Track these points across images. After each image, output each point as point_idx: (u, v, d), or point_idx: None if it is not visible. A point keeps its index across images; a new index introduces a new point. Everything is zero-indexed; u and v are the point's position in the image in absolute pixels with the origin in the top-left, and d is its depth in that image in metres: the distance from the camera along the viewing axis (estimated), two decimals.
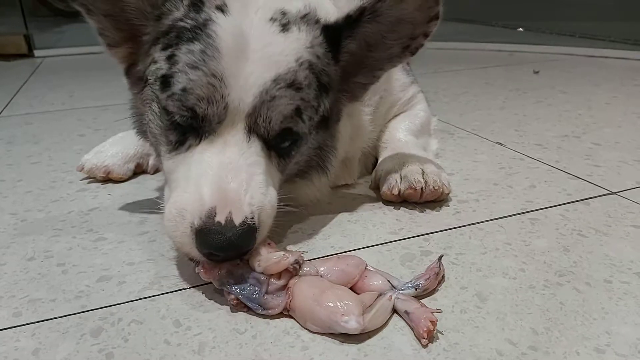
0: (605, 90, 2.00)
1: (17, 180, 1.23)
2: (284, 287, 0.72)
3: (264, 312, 0.71)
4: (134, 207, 1.07)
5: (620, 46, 2.80)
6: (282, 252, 0.73)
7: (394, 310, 0.71)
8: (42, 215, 1.04)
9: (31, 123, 1.72)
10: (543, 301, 0.74)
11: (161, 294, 0.77)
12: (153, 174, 1.24)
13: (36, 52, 3.18)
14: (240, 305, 0.72)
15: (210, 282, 0.75)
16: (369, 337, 0.67)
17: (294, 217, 0.98)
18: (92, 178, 1.20)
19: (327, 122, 0.92)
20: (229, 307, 0.73)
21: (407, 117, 1.25)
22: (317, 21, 0.88)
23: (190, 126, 0.81)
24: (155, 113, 0.85)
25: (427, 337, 0.65)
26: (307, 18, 0.87)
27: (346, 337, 0.67)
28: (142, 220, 1.01)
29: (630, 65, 2.49)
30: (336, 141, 0.99)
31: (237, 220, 0.73)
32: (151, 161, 1.24)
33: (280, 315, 0.71)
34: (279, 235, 0.92)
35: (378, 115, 1.17)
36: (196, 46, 0.79)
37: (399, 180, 1.02)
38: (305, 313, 0.69)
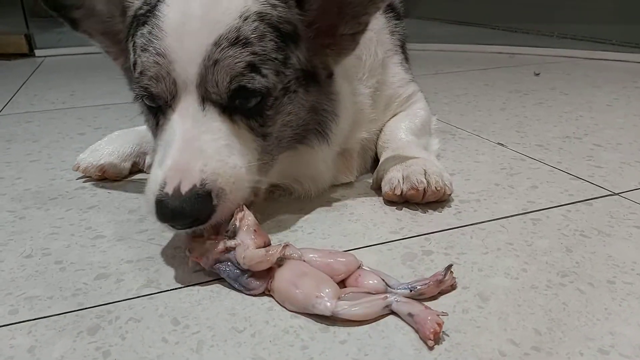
0: (606, 92, 2.00)
1: (15, 177, 1.23)
2: (267, 272, 0.75)
3: (247, 293, 0.74)
4: (132, 204, 1.06)
5: (620, 48, 2.79)
6: (264, 250, 0.74)
7: (394, 313, 0.70)
8: (40, 212, 1.04)
9: (31, 121, 1.71)
10: (546, 301, 0.73)
11: (159, 292, 0.76)
12: (149, 172, 1.22)
13: (37, 52, 3.17)
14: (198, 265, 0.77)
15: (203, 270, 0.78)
16: (370, 337, 0.66)
17: (293, 215, 0.97)
18: (88, 177, 1.19)
19: (314, 77, 0.90)
20: (227, 305, 0.72)
21: (407, 116, 1.24)
22: None
23: (156, 107, 0.84)
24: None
25: (434, 339, 0.64)
26: None
27: (347, 337, 0.66)
28: (140, 218, 1.00)
29: (630, 68, 2.49)
30: (336, 105, 0.98)
31: (184, 189, 0.75)
32: (148, 159, 1.22)
33: (280, 314, 0.71)
34: (277, 235, 0.92)
35: (378, 105, 1.16)
36: (145, 29, 0.82)
37: (401, 181, 1.01)
38: (283, 294, 0.72)
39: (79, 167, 1.17)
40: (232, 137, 0.83)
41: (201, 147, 0.78)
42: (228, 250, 0.75)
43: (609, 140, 1.43)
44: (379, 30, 1.16)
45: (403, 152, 1.10)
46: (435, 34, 3.58)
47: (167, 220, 0.76)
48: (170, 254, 0.86)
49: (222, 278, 0.76)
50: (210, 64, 0.79)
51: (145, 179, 1.18)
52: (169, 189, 0.75)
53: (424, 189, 0.99)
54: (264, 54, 0.82)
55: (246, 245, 0.74)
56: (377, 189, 1.09)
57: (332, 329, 0.67)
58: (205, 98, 0.81)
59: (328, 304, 0.68)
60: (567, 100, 1.90)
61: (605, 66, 2.54)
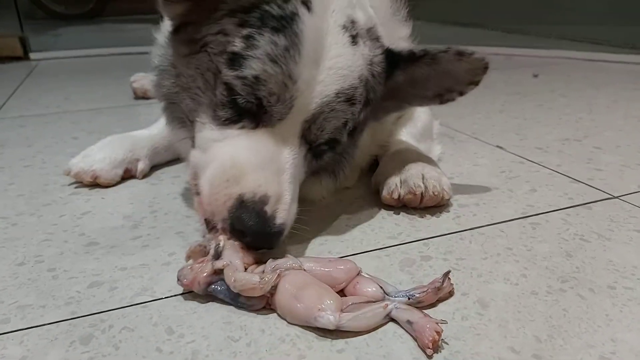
0: (605, 94, 1.99)
1: (8, 183, 1.21)
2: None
3: (248, 310, 0.72)
4: (127, 210, 1.05)
5: (619, 50, 2.79)
6: (258, 277, 0.70)
7: (393, 320, 0.69)
8: (33, 219, 1.02)
9: (25, 126, 1.70)
10: (546, 308, 0.72)
11: (153, 300, 0.75)
12: (142, 179, 1.21)
13: (32, 55, 3.15)
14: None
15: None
16: (368, 346, 0.65)
17: None
18: (80, 182, 1.17)
19: (354, 132, 0.93)
20: (223, 313, 0.71)
21: (408, 120, 1.23)
22: (378, 39, 0.90)
23: (249, 110, 0.82)
24: (209, 83, 0.85)
25: (433, 347, 0.63)
26: (371, 33, 0.89)
27: (345, 345, 0.65)
28: (135, 224, 0.99)
29: (630, 69, 2.48)
30: (355, 150, 1.01)
31: (279, 221, 0.79)
32: (140, 166, 1.21)
33: (276, 322, 0.69)
34: None
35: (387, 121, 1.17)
36: (281, 40, 0.79)
37: (398, 185, 1.01)
38: (285, 308, 0.70)
39: (70, 172, 1.15)
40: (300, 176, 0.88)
41: (294, 189, 0.84)
42: (217, 272, 0.72)
43: (609, 142, 1.43)
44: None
45: (402, 156, 1.09)
46: (433, 35, 3.56)
47: (246, 227, 0.76)
48: (164, 261, 0.85)
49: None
50: (327, 110, 0.82)
51: (141, 184, 1.18)
52: (270, 210, 0.78)
53: (422, 194, 0.98)
54: (355, 115, 0.87)
55: (235, 266, 0.72)
56: (375, 192, 1.08)
57: (330, 337, 0.66)
58: (304, 134, 0.84)
59: (331, 317, 0.65)
60: (566, 102, 1.89)
61: (605, 68, 2.54)
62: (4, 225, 1.00)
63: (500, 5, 3.70)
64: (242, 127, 0.83)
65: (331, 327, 0.65)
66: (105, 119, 1.76)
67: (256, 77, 0.79)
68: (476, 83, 0.94)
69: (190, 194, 0.94)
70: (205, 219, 0.83)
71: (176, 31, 0.92)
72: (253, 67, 0.79)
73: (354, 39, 0.84)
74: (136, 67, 2.03)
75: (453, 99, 0.97)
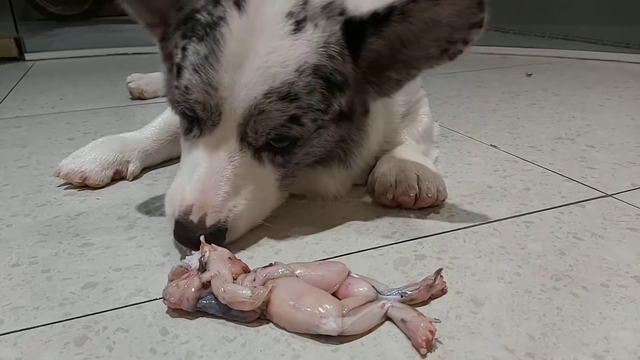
0: (598, 93, 2.00)
1: (3, 184, 1.21)
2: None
3: (242, 323, 0.69)
4: (121, 211, 1.04)
5: (612, 49, 2.80)
6: (250, 291, 0.67)
7: (388, 318, 0.69)
8: (28, 220, 1.02)
9: (20, 126, 1.69)
10: (539, 306, 0.72)
11: (148, 301, 0.75)
12: (132, 180, 1.21)
13: (27, 56, 3.14)
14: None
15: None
16: (362, 345, 0.65)
17: (283, 220, 0.96)
18: (70, 183, 1.17)
19: (349, 116, 0.91)
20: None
21: (411, 121, 1.22)
22: (342, 12, 0.85)
23: (195, 117, 0.86)
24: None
25: (426, 346, 0.63)
26: (330, 8, 0.84)
27: (339, 345, 0.65)
28: (130, 225, 0.98)
29: (622, 68, 2.49)
30: (364, 137, 0.98)
31: (209, 222, 0.82)
32: (130, 168, 1.20)
33: (271, 322, 0.69)
34: (268, 241, 0.91)
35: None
36: (202, 48, 0.82)
37: (393, 185, 1.00)
38: (284, 318, 0.68)
39: (59, 172, 1.15)
40: (259, 176, 0.88)
41: (232, 189, 0.84)
42: (205, 286, 0.70)
43: (602, 141, 1.43)
44: None
45: (399, 156, 1.09)
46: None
47: (181, 242, 0.84)
48: (159, 262, 0.85)
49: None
50: (256, 113, 0.81)
51: (136, 185, 1.18)
52: (195, 218, 0.82)
53: (416, 195, 0.98)
54: (309, 107, 0.84)
55: (223, 276, 0.70)
56: (371, 192, 1.08)
57: (324, 337, 0.66)
58: (244, 138, 0.85)
59: (334, 324, 0.64)
60: (559, 101, 1.90)
61: (597, 66, 2.55)
62: None
63: (494, 5, 3.71)
64: (194, 136, 0.88)
65: (335, 334, 0.65)
66: (101, 119, 1.76)
67: (186, 87, 0.83)
68: (479, 25, 0.81)
69: None
70: None
71: (161, 48, 0.97)
72: (184, 77, 0.84)
73: (298, 25, 0.81)
74: (132, 67, 2.02)
75: (461, 51, 0.85)
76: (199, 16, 0.84)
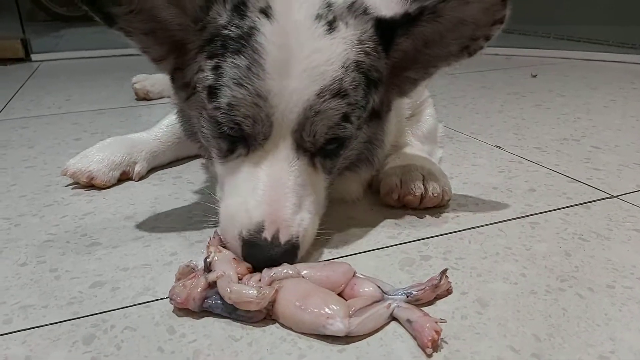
0: (603, 94, 2.00)
1: (11, 184, 1.22)
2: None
3: (246, 322, 0.70)
4: (128, 211, 1.05)
5: (617, 49, 2.79)
6: (256, 291, 0.68)
7: (394, 318, 0.69)
8: (35, 219, 1.03)
9: (27, 127, 1.70)
10: (545, 307, 0.72)
11: (155, 300, 0.75)
12: (138, 181, 1.21)
13: (33, 57, 3.15)
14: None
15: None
16: (368, 345, 0.65)
17: None
18: (77, 183, 1.18)
19: (379, 115, 0.92)
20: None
21: (414, 121, 1.22)
22: (366, 11, 0.85)
23: (239, 136, 0.82)
24: (206, 119, 0.85)
25: (432, 346, 0.63)
26: (354, 8, 0.84)
27: (345, 345, 0.65)
28: (137, 224, 0.99)
29: (627, 69, 2.49)
30: (385, 135, 0.99)
31: (284, 239, 0.77)
32: (137, 169, 1.21)
33: (276, 322, 0.70)
34: None
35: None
36: (242, 61, 0.78)
37: (398, 185, 1.01)
38: (290, 319, 0.68)
39: (67, 171, 1.16)
40: (315, 184, 0.86)
41: (300, 201, 0.81)
42: (211, 286, 0.70)
43: (607, 142, 1.43)
44: None
45: (405, 157, 1.09)
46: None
47: (256, 262, 0.77)
48: (166, 262, 0.86)
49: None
50: (312, 114, 0.79)
51: (144, 185, 1.18)
52: (268, 235, 0.77)
53: (421, 195, 0.99)
54: (355, 103, 0.83)
55: (229, 277, 0.70)
56: (376, 192, 1.08)
57: (331, 337, 0.66)
58: (299, 145, 0.82)
59: (341, 325, 0.65)
60: (564, 102, 1.90)
61: (602, 67, 2.54)
62: (6, 226, 1.00)
63: None
64: (239, 156, 0.84)
65: (341, 335, 0.65)
66: (107, 120, 1.77)
67: (229, 105, 0.79)
68: (501, 21, 0.83)
69: None
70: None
71: (172, 80, 0.94)
72: (225, 95, 0.79)
73: (331, 25, 0.81)
74: (138, 68, 2.03)
75: (481, 47, 0.87)
76: (226, 32, 0.81)
